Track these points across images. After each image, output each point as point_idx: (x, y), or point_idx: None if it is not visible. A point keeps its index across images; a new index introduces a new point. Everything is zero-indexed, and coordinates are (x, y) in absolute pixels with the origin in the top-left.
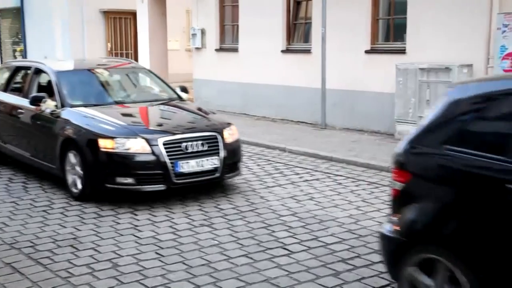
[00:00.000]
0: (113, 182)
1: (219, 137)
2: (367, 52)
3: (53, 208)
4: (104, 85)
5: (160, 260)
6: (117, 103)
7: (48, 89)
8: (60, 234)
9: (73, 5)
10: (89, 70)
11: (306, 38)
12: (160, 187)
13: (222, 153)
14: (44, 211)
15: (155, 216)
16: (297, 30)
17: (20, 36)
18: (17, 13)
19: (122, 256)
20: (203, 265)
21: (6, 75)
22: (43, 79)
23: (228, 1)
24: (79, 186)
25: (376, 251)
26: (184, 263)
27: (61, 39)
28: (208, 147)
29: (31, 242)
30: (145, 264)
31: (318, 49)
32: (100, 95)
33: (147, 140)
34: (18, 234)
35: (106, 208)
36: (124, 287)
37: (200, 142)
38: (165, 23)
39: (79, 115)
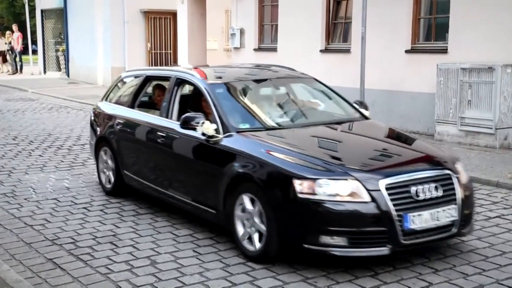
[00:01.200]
0: (315, 242)
1: (453, 176)
2: (407, 51)
3: (93, 205)
4: (272, 101)
5: (197, 258)
6: (294, 125)
7: (194, 106)
8: (100, 231)
9: (114, 5)
10: (250, 81)
11: (345, 37)
12: (383, 250)
13: (460, 200)
14: (84, 208)
15: (193, 214)
16: (336, 30)
17: (62, 36)
18: (60, 14)
19: (160, 254)
20: (239, 263)
21: (131, 86)
22: (190, 92)
23: (267, 1)
24: (258, 244)
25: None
26: (221, 262)
27: (102, 39)
28: (443, 191)
29: (72, 238)
30: (183, 262)
31: (357, 49)
32: (271, 115)
33: (363, 183)
34: (60, 231)
35: (144, 206)
36: (163, 284)
37: (433, 184)
38: (204, 23)
39: (254, 144)
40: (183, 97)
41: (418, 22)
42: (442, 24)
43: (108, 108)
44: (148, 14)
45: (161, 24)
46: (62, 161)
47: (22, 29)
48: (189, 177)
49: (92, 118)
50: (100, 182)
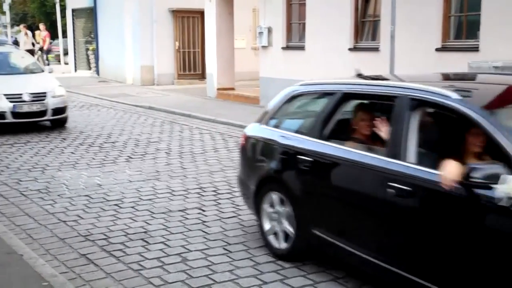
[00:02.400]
0: None
1: None
2: (437, 50)
3: (124, 202)
4: None
5: (228, 256)
6: None
7: (441, 142)
8: (131, 228)
9: (143, 4)
10: None
11: (374, 36)
12: None
13: None
14: (116, 205)
15: (223, 212)
16: (365, 28)
17: (92, 35)
18: (90, 13)
19: (191, 251)
20: (270, 262)
21: (314, 106)
22: (423, 118)
23: (295, 0)
24: None
25: None
26: (251, 260)
27: (131, 38)
28: None
29: (104, 234)
30: (213, 260)
31: (386, 47)
32: None
33: None
34: (92, 227)
35: (175, 204)
36: (194, 281)
37: None
38: (232, 22)
39: None
40: (422, 127)
41: (448, 20)
42: (473, 22)
43: (277, 136)
44: (177, 13)
45: (189, 23)
46: (94, 159)
47: (53, 28)
48: (466, 261)
49: (246, 147)
50: (264, 237)
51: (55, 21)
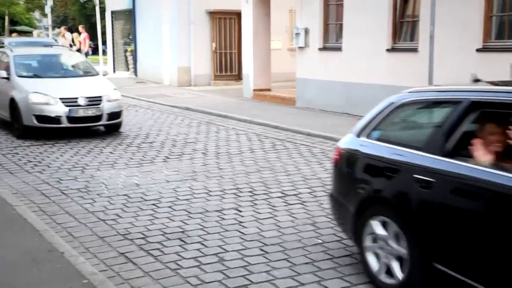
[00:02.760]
0: None
1: None
2: (478, 50)
3: (161, 202)
4: None
5: (264, 257)
6: None
7: None
8: (169, 227)
9: (181, 6)
10: None
11: (413, 36)
12: None
13: None
14: (153, 204)
15: (259, 213)
16: (403, 28)
17: (131, 37)
18: (129, 15)
19: (228, 251)
20: (307, 263)
21: (430, 117)
22: None
23: (332, 0)
24: None
25: None
26: (288, 261)
27: (168, 39)
28: None
29: (142, 234)
30: (250, 260)
31: (425, 48)
32: None
33: None
34: (131, 226)
35: (211, 204)
36: (230, 281)
37: None
38: (268, 23)
39: None
40: None
41: (490, 20)
42: None
43: (384, 150)
44: (214, 15)
45: (226, 24)
46: (132, 158)
47: (92, 30)
48: None
49: (341, 161)
50: (366, 268)
51: (94, 23)
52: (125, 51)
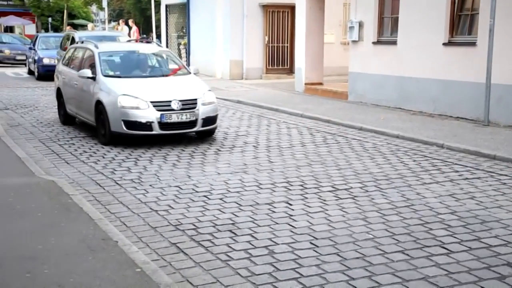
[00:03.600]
0: None
1: None
2: None
3: (212, 194)
4: None
5: (314, 250)
6: None
7: None
8: (220, 219)
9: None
10: None
11: (471, 30)
12: None
13: None
14: (204, 196)
15: (310, 207)
16: (461, 22)
17: (184, 30)
18: (183, 8)
19: (278, 244)
20: (357, 258)
21: None
22: None
23: None
24: None
25: None
26: (338, 255)
27: (222, 32)
28: None
29: (193, 225)
30: (300, 253)
31: (484, 42)
32: None
33: None
34: (182, 217)
35: (262, 197)
36: (280, 274)
37: None
38: (322, 17)
39: None
40: None
41: None
42: None
43: None
44: (267, 8)
45: (279, 18)
46: (183, 150)
47: (147, 23)
48: None
49: None
50: None
51: (149, 17)
52: (179, 44)
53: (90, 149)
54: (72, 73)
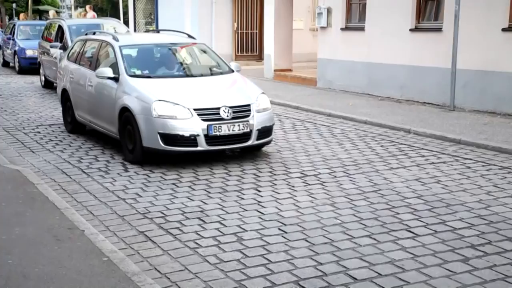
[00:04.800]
0: None
1: None
2: (504, 30)
3: (181, 182)
4: None
5: (283, 237)
6: None
7: None
8: (188, 206)
9: None
10: None
11: (437, 16)
12: None
13: None
14: (173, 184)
15: (279, 193)
16: (428, 8)
17: (152, 17)
18: None
19: (247, 231)
20: (325, 243)
21: None
22: None
23: None
24: None
25: (509, 238)
26: (306, 241)
27: (190, 19)
28: None
29: (162, 213)
30: (268, 240)
31: (450, 28)
32: None
33: None
34: (150, 205)
35: (231, 184)
36: (249, 260)
37: None
38: (291, 3)
39: None
40: None
41: None
42: None
43: None
44: None
45: (247, 4)
46: None
47: (115, 10)
48: None
49: None
50: None
51: (117, 3)
52: (147, 31)
53: (56, 138)
54: (83, 72)
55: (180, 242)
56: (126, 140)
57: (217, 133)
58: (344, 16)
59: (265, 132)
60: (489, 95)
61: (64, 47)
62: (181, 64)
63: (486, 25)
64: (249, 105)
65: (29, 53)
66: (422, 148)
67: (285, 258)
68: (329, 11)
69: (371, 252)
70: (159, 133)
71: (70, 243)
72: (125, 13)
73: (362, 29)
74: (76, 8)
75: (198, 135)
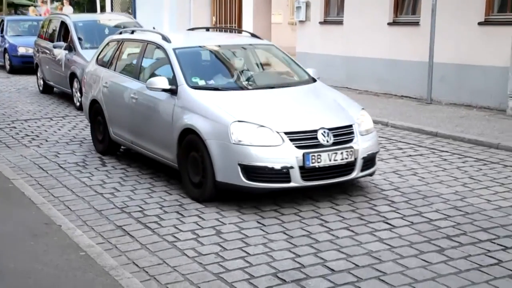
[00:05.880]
0: None
1: None
2: (480, 24)
3: (159, 176)
4: None
5: (261, 229)
6: None
7: None
8: (166, 200)
9: None
10: None
11: (414, 10)
12: None
13: None
14: (151, 178)
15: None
16: (405, 2)
17: (130, 11)
18: None
19: (225, 224)
20: (303, 236)
21: None
22: None
23: None
24: None
25: (484, 229)
26: (285, 233)
27: (168, 13)
28: None
29: (140, 207)
30: (247, 233)
31: (427, 21)
32: None
33: None
34: (128, 199)
35: None
36: (227, 253)
37: None
38: None
39: None
40: None
41: None
42: None
43: None
44: None
45: None
46: None
47: (92, 3)
48: None
49: None
50: None
51: None
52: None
53: (33, 132)
54: (122, 80)
55: (158, 236)
56: (190, 171)
57: (316, 165)
58: (322, 10)
59: (370, 160)
60: (466, 89)
61: (69, 48)
62: (254, 72)
63: (463, 19)
64: (351, 125)
65: (21, 50)
66: (400, 141)
67: (263, 250)
68: (307, 5)
69: (349, 244)
70: (239, 164)
71: (46, 238)
72: (102, 7)
73: (340, 23)
74: (52, 1)
75: (291, 167)
